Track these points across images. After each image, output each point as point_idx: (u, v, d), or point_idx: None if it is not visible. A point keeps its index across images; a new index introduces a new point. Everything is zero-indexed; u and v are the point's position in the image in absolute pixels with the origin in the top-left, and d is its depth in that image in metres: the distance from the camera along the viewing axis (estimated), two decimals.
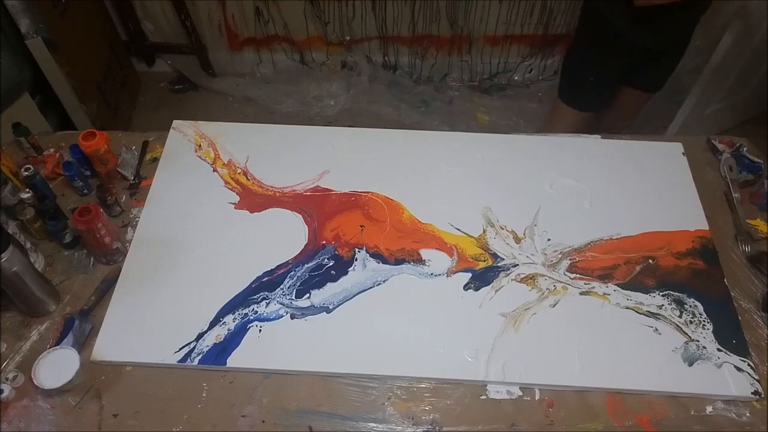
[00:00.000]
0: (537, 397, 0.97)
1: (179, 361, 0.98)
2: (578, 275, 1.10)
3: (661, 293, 1.07)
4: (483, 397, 0.97)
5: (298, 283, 1.08)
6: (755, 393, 0.96)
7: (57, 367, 0.94)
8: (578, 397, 0.97)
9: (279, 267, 1.10)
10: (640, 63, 1.60)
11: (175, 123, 1.34)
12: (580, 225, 1.17)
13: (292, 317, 1.04)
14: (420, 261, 1.11)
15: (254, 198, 1.21)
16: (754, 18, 1.80)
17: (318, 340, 1.01)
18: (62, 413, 0.94)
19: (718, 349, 1.00)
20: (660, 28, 1.47)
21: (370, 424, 0.94)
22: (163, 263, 1.10)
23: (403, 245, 1.14)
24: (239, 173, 1.25)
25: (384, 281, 1.08)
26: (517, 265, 1.11)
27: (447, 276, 1.10)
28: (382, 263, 1.11)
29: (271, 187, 1.23)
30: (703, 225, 1.17)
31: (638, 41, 1.50)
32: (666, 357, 1.00)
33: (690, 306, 1.06)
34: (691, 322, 1.04)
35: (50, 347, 0.98)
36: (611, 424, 0.94)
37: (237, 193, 1.21)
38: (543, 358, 0.99)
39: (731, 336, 1.02)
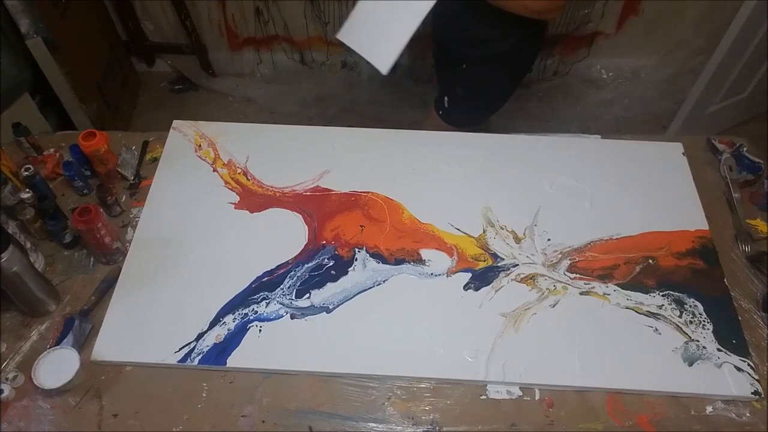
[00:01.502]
0: (537, 397, 0.97)
1: (179, 361, 0.98)
2: (578, 275, 1.10)
3: (661, 293, 1.07)
4: (483, 397, 0.97)
5: (298, 283, 1.08)
6: (755, 393, 0.96)
7: (57, 367, 0.94)
8: (578, 397, 0.97)
9: (279, 267, 1.10)
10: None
11: (175, 123, 1.34)
12: (580, 225, 1.17)
13: (292, 317, 1.04)
14: (420, 261, 1.11)
15: (254, 198, 1.21)
16: (754, 18, 1.80)
17: (318, 340, 1.01)
18: (62, 413, 0.94)
19: (718, 349, 1.00)
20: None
21: (370, 424, 0.94)
22: (163, 263, 1.10)
23: (403, 245, 1.14)
24: (239, 173, 1.25)
25: (384, 281, 1.08)
26: (517, 265, 1.11)
27: (447, 276, 1.10)
28: (382, 263, 1.11)
29: (271, 187, 1.23)
30: (703, 225, 1.17)
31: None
32: (666, 357, 1.00)
33: (690, 306, 1.06)
34: (691, 322, 1.04)
35: (50, 347, 0.98)
36: (611, 424, 0.94)
37: (237, 193, 1.21)
38: (543, 358, 0.99)
39: (731, 336, 1.02)
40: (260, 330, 1.02)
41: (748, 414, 0.95)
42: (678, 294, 1.07)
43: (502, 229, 1.16)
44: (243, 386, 0.97)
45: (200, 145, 1.30)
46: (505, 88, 1.54)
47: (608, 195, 1.22)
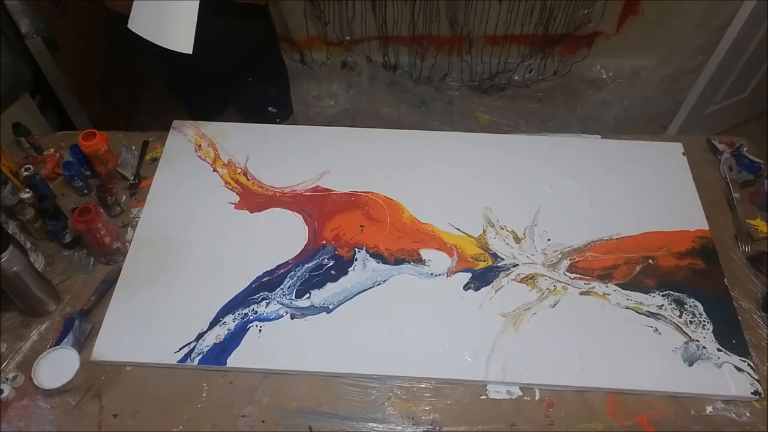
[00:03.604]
0: (537, 397, 0.97)
1: (179, 361, 0.98)
2: (578, 275, 1.10)
3: (661, 293, 1.07)
4: (483, 397, 0.97)
5: (298, 283, 1.08)
6: (755, 393, 0.96)
7: (57, 367, 0.94)
8: (578, 397, 0.97)
9: (279, 267, 1.10)
10: None
11: (175, 123, 1.34)
12: (580, 225, 1.17)
13: (292, 317, 1.04)
14: (420, 261, 1.11)
15: (254, 198, 1.21)
16: (754, 18, 1.80)
17: (318, 340, 1.01)
18: (62, 413, 0.94)
19: (718, 349, 1.00)
20: None
21: (370, 424, 0.94)
22: (163, 263, 1.10)
23: (403, 245, 1.14)
24: (239, 173, 1.25)
25: (384, 281, 1.08)
26: (517, 265, 1.11)
27: (447, 276, 1.09)
28: (382, 263, 1.11)
29: (271, 187, 1.23)
30: (703, 225, 1.17)
31: None
32: (666, 357, 1.00)
33: (690, 306, 1.06)
34: (691, 322, 1.04)
35: (50, 347, 0.98)
36: (611, 424, 0.94)
37: (237, 193, 1.21)
38: (543, 358, 0.99)
39: (731, 336, 1.02)
40: (260, 330, 1.02)
41: (748, 414, 0.95)
42: (678, 294, 1.07)
43: (502, 229, 1.16)
44: (243, 386, 0.97)
45: (200, 145, 1.30)
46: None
47: (608, 195, 1.22)
